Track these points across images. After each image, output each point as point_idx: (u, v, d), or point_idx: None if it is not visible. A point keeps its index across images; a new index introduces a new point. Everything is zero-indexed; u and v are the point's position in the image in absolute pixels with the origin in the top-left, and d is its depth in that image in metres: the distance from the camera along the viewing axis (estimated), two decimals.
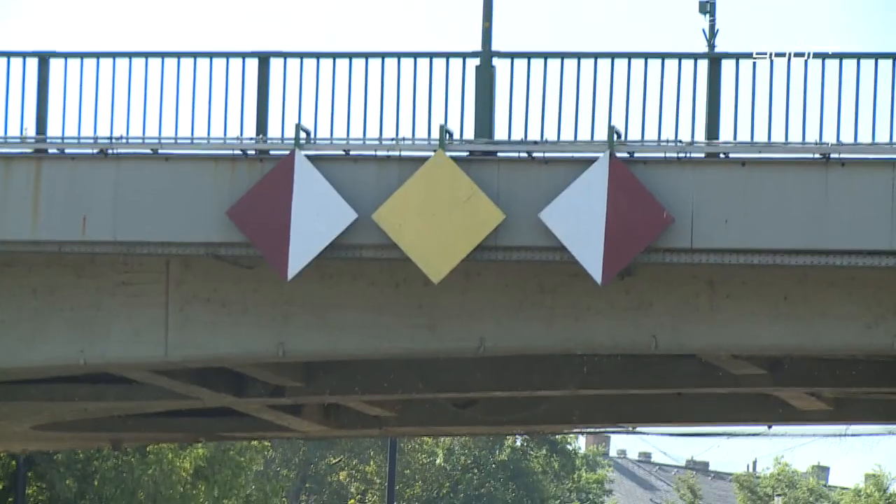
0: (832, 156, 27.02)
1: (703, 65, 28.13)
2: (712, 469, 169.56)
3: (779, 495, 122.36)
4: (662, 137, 27.86)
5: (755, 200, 27.51)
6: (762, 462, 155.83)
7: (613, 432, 62.17)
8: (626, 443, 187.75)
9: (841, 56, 27.43)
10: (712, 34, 28.49)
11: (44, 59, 29.31)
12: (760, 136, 27.55)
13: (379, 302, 29.49)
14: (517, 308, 29.21)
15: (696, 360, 31.35)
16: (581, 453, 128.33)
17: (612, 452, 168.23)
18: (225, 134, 28.69)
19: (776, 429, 37.08)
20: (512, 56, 28.49)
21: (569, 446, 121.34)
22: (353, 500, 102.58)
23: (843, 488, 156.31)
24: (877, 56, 27.55)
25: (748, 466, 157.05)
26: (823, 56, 27.33)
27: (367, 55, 28.63)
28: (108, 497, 55.42)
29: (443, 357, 31.61)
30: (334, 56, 28.71)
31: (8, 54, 29.32)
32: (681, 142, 27.64)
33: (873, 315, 28.68)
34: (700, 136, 28.06)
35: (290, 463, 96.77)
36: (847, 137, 27.15)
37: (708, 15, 28.65)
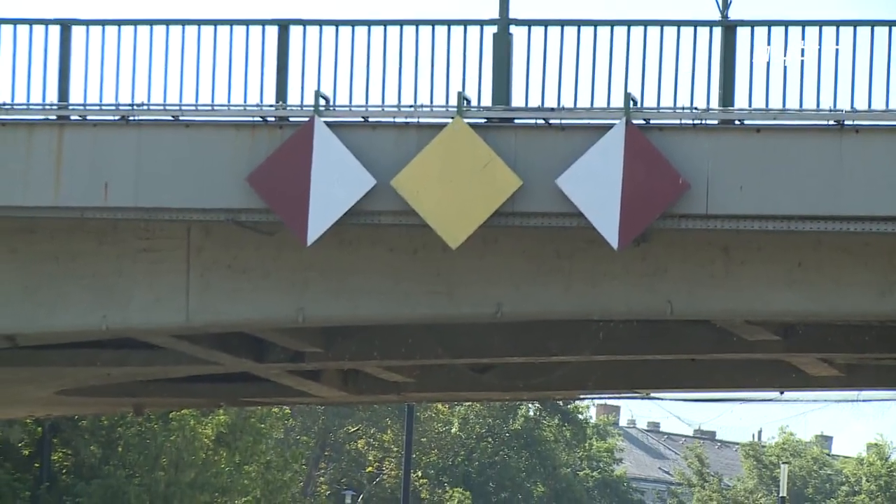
0: (846, 122, 26.68)
1: (718, 32, 27.73)
2: (719, 438, 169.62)
3: (784, 463, 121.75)
4: (678, 104, 27.48)
5: (770, 167, 27.21)
6: (767, 432, 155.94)
7: (628, 398, 61.97)
8: (636, 413, 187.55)
9: (855, 23, 27.01)
10: (726, 4, 28.23)
11: (66, 26, 28.98)
12: (775, 104, 27.19)
13: (397, 268, 29.21)
14: (534, 274, 28.92)
15: (711, 326, 31.01)
16: (592, 423, 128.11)
17: (622, 422, 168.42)
18: (245, 101, 28.39)
19: (788, 395, 36.58)
20: (529, 24, 28.05)
21: (580, 416, 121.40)
22: (370, 468, 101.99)
23: (846, 457, 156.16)
24: (891, 24, 27.13)
25: (753, 436, 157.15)
26: (838, 23, 26.99)
27: (385, 23, 28.23)
28: (132, 463, 55.36)
29: (460, 322, 31.32)
30: (353, 24, 28.33)
31: (30, 21, 29.03)
32: (696, 109, 27.32)
33: (888, 281, 28.39)
34: (715, 103, 27.70)
35: (309, 431, 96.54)
36: (861, 104, 26.90)
37: None
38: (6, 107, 28.79)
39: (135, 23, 28.74)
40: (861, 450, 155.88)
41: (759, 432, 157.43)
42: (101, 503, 54.66)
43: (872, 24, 27.27)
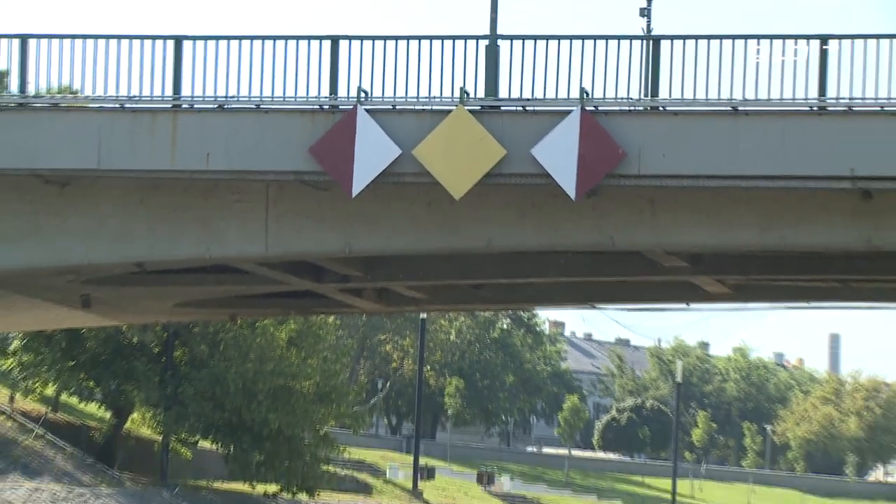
0: (739, 108, 26.04)
1: (648, 44, 27.19)
2: (633, 344, 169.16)
3: (679, 360, 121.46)
4: (618, 96, 26.76)
5: (684, 140, 26.54)
6: (665, 339, 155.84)
7: (581, 308, 61.68)
8: (576, 325, 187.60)
9: (746, 37, 26.44)
10: (649, 25, 28.12)
11: (178, 40, 28.36)
12: (688, 94, 26.36)
13: (417, 214, 28.62)
14: (514, 218, 28.32)
15: (640, 256, 30.31)
16: (546, 333, 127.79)
17: (567, 332, 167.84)
18: (307, 94, 27.71)
19: (693, 306, 36.07)
20: (511, 38, 27.49)
21: (538, 328, 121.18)
22: (395, 364, 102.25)
23: (718, 357, 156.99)
24: (772, 36, 26.55)
25: (657, 341, 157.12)
26: (734, 37, 26.30)
27: (408, 38, 27.69)
28: (229, 357, 54.92)
29: (462, 253, 30.69)
30: (385, 38, 27.75)
31: (153, 38, 28.52)
32: (631, 98, 26.85)
33: (767, 223, 27.67)
34: (645, 94, 27.05)
35: (352, 336, 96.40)
36: (750, 95, 26.15)
37: (646, 18, 28.22)
38: (136, 98, 28.17)
39: (228, 38, 28.14)
40: (729, 352, 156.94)
41: (659, 340, 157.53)
42: (207, 386, 54.18)
43: (759, 37, 26.61)
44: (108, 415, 59.06)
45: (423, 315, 77.13)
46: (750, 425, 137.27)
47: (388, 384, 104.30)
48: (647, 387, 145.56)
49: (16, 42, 29.12)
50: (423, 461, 77.10)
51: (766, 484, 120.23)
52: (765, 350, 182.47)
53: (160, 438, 58.27)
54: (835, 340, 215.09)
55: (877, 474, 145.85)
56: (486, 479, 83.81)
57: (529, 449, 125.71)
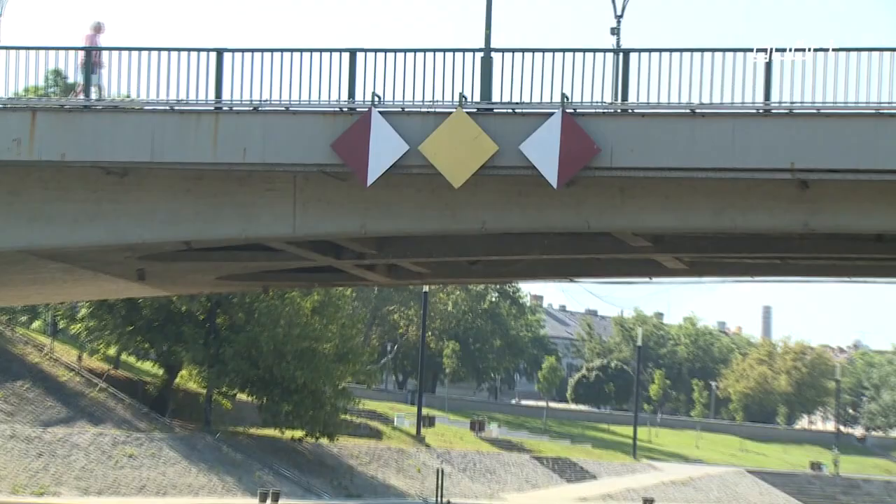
0: (697, 111, 25.71)
1: (619, 57, 26.94)
2: (600, 314, 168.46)
3: (639, 327, 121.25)
4: (594, 100, 26.42)
5: (649, 137, 26.15)
6: (628, 309, 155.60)
7: (560, 281, 60.92)
8: (552, 298, 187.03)
9: (702, 50, 26.02)
10: (618, 41, 27.87)
11: (220, 52, 27.94)
12: (653, 99, 26.13)
13: (421, 200, 28.13)
14: (505, 204, 27.85)
15: (611, 237, 29.89)
16: (528, 304, 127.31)
17: (545, 304, 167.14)
18: (329, 98, 27.23)
19: (655, 280, 35.63)
20: (503, 50, 27.19)
21: (521, 300, 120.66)
22: (401, 330, 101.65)
23: (672, 325, 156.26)
24: (724, 50, 26.19)
25: (620, 312, 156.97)
26: (692, 50, 25.96)
27: (415, 50, 27.19)
28: (262, 324, 54.45)
29: (460, 234, 30.31)
30: (395, 51, 27.24)
31: (198, 50, 27.95)
32: (604, 102, 26.53)
33: (719, 208, 27.37)
34: (616, 98, 26.72)
35: (366, 307, 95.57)
36: (706, 99, 25.78)
37: (615, 35, 27.82)
38: (183, 102, 27.69)
39: (262, 50, 27.72)
40: (681, 320, 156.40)
41: (622, 311, 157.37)
42: (244, 348, 53.83)
43: (713, 50, 26.13)
44: (160, 371, 58.69)
45: (426, 288, 76.61)
46: (697, 382, 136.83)
47: (395, 347, 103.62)
48: (612, 350, 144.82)
49: (81, 53, 28.71)
50: (424, 411, 76.73)
51: (710, 431, 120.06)
52: (710, 319, 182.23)
53: (204, 391, 57.94)
54: (767, 311, 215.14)
55: (802, 423, 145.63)
56: (477, 427, 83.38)
57: (513, 401, 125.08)
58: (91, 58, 28.65)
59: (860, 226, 27.37)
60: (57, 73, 33.01)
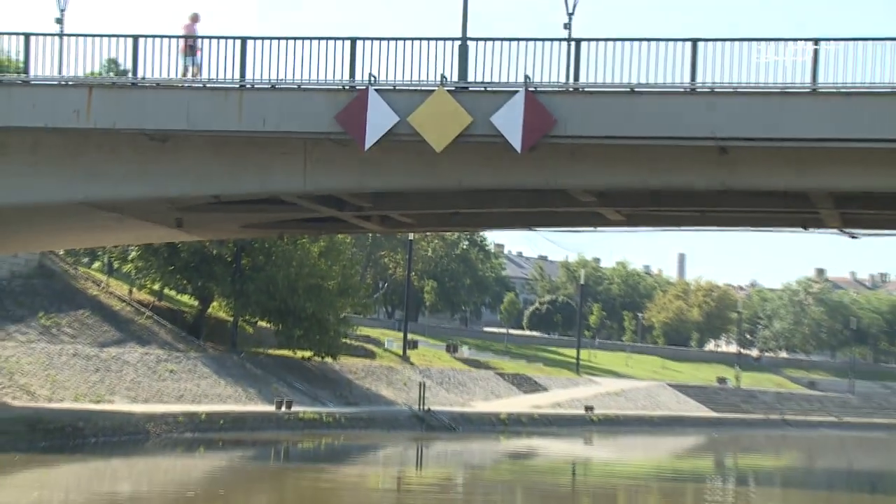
0: (635, 89, 25.39)
1: (572, 45, 26.33)
2: (549, 259, 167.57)
3: (582, 269, 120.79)
4: (551, 80, 25.99)
5: (596, 111, 25.83)
6: (572, 255, 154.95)
7: (522, 230, 60.40)
8: (512, 246, 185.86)
9: (640, 39, 25.73)
10: (570, 32, 26.69)
11: (244, 40, 27.38)
12: (600, 79, 25.69)
13: (409, 162, 27.48)
14: (478, 165, 27.24)
15: (564, 193, 29.25)
16: (492, 251, 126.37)
17: (506, 251, 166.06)
18: (334, 77, 26.73)
19: (599, 229, 34.85)
20: (477, 39, 26.61)
21: (487, 247, 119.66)
22: (390, 271, 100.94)
23: (607, 267, 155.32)
24: (657, 40, 26.00)
25: (566, 257, 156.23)
26: (640, 39, 25.51)
27: (405, 39, 26.91)
28: (278, 264, 53.71)
29: (441, 189, 29.56)
30: (388, 39, 26.95)
31: (219, 37, 27.72)
32: (560, 82, 26.11)
33: (653, 169, 26.97)
34: (569, 78, 26.19)
35: (362, 252, 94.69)
36: (643, 80, 25.46)
37: (567, 29, 26.79)
38: (213, 80, 27.30)
39: (278, 39, 27.31)
40: (614, 265, 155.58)
41: (567, 256, 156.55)
42: (264, 284, 53.13)
43: (649, 40, 25.89)
44: (195, 303, 57.90)
45: (411, 236, 75.64)
46: (627, 313, 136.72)
47: (385, 285, 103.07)
48: (559, 287, 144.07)
49: (129, 41, 27.98)
50: (409, 336, 76.11)
51: (637, 353, 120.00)
52: (638, 263, 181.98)
53: (231, 319, 57.29)
54: (682, 257, 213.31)
55: (710, 346, 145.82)
56: (452, 349, 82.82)
57: (480, 329, 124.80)
58: (137, 43, 27.95)
59: (768, 184, 27.08)
60: (111, 61, 32.11)
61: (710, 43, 25.42)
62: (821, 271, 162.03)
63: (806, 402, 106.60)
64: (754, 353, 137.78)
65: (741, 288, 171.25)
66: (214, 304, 57.53)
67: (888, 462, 50.56)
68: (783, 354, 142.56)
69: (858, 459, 52.70)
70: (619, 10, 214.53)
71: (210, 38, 27.73)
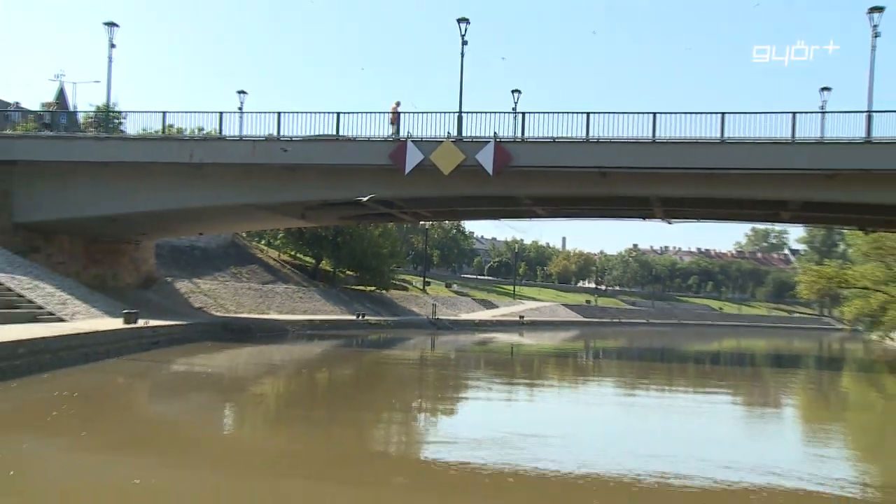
0: (556, 139, 22.70)
1: (516, 115, 23.73)
2: (498, 239, 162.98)
3: (516, 244, 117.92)
4: (509, 135, 23.47)
5: (534, 152, 23.53)
6: (517, 237, 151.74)
7: (492, 220, 58.63)
8: (479, 232, 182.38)
9: (559, 112, 23.06)
10: (515, 106, 24.27)
11: (338, 115, 24.93)
12: (537, 134, 23.26)
13: (429, 180, 24.76)
14: (468, 182, 24.64)
15: (515, 198, 27.12)
16: (468, 233, 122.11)
17: (477, 235, 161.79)
18: (387, 134, 24.49)
19: (533, 220, 32.30)
20: (467, 112, 24.41)
21: (465, 232, 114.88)
22: (416, 244, 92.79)
23: (529, 243, 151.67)
24: (560, 113, 23.33)
25: (509, 238, 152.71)
26: (556, 112, 23.04)
27: (426, 112, 24.70)
28: (357, 240, 51.72)
29: (447, 197, 27.01)
30: (415, 113, 24.61)
31: (324, 112, 25.13)
32: (513, 136, 23.49)
33: (569, 184, 24.63)
34: (517, 133, 23.72)
35: (401, 234, 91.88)
36: (558, 134, 22.95)
37: (514, 103, 24.40)
38: (317, 134, 24.56)
39: (363, 113, 24.59)
40: (530, 242, 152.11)
41: (511, 237, 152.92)
42: (350, 251, 51.31)
43: (557, 113, 23.35)
44: (313, 261, 55.86)
45: (427, 225, 73.56)
46: (539, 267, 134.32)
47: (413, 252, 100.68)
48: (503, 254, 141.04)
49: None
50: (426, 279, 74.25)
51: (544, 288, 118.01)
52: (543, 240, 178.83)
53: (332, 270, 55.31)
54: (564, 240, 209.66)
55: (581, 284, 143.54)
56: (448, 286, 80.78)
57: (462, 276, 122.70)
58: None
59: (628, 192, 24.84)
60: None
61: (600, 115, 23.38)
62: (636, 245, 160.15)
63: (630, 313, 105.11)
64: (603, 287, 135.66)
65: (596, 254, 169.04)
66: (323, 262, 55.49)
67: (669, 342, 49.20)
68: (618, 288, 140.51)
69: (655, 340, 51.34)
70: (548, 90, 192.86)
71: (312, 113, 25.16)
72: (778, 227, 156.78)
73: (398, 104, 25.44)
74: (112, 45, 26.73)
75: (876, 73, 22.87)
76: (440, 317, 53.99)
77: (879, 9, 22.03)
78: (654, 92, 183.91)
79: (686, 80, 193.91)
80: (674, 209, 28.37)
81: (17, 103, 27.25)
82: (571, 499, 7.89)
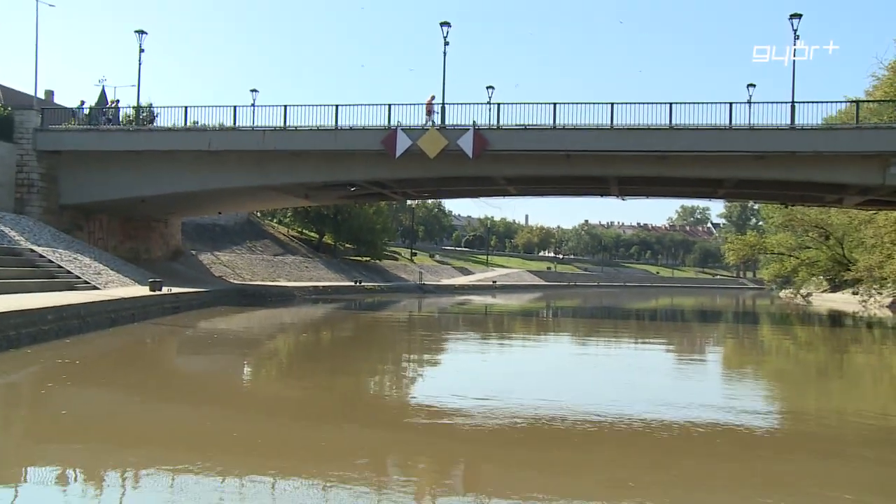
0: (526, 127, 21.75)
1: (491, 107, 22.66)
2: (473, 216, 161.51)
3: (488, 221, 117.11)
4: (487, 124, 22.51)
5: (509, 138, 22.51)
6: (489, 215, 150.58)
7: (471, 198, 57.74)
8: (462, 210, 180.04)
9: (533, 103, 22.20)
10: (490, 97, 23.19)
11: (337, 107, 23.72)
12: (510, 122, 22.35)
13: (417, 163, 23.79)
14: (451, 164, 23.67)
15: (491, 178, 26.23)
16: (448, 211, 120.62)
17: (455, 213, 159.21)
18: (378, 122, 23.29)
19: (507, 198, 31.32)
20: (450, 104, 23.37)
21: (445, 210, 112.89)
22: (404, 221, 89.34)
23: (499, 220, 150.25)
24: (532, 104, 22.46)
25: (483, 215, 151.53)
26: (533, 103, 22.14)
27: (415, 104, 23.33)
28: (355, 217, 50.46)
29: (432, 177, 25.65)
30: (405, 105, 23.41)
31: (323, 105, 23.73)
32: (490, 124, 22.38)
33: (534, 166, 23.71)
34: (493, 121, 22.69)
35: (391, 211, 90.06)
36: (528, 121, 22.07)
37: (489, 98, 23.30)
38: (320, 126, 23.34)
39: (359, 105, 23.29)
40: (499, 219, 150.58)
41: (484, 214, 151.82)
42: (348, 227, 50.19)
43: (530, 104, 22.50)
44: (317, 235, 54.71)
45: (413, 204, 72.25)
46: (508, 241, 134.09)
47: (402, 227, 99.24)
48: (477, 229, 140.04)
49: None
50: (413, 250, 73.37)
51: (511, 257, 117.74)
52: (510, 217, 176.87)
53: (333, 243, 54.25)
54: (527, 216, 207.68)
55: (542, 253, 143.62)
56: (431, 256, 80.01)
57: (443, 248, 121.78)
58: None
59: (588, 172, 24.06)
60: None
61: (566, 105, 22.49)
62: (587, 220, 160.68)
63: (583, 277, 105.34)
64: (561, 256, 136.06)
65: (554, 227, 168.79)
66: (326, 236, 54.39)
67: (616, 301, 49.29)
68: (573, 256, 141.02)
69: (605, 300, 51.43)
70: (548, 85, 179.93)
71: (313, 105, 24.06)
72: (702, 204, 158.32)
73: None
74: (141, 50, 26.08)
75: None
76: (425, 282, 53.37)
77: (798, 15, 21.94)
78: (667, 86, 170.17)
79: (694, 75, 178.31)
80: (628, 187, 27.81)
81: (82, 102, 25.92)
82: (542, 417, 8.11)
